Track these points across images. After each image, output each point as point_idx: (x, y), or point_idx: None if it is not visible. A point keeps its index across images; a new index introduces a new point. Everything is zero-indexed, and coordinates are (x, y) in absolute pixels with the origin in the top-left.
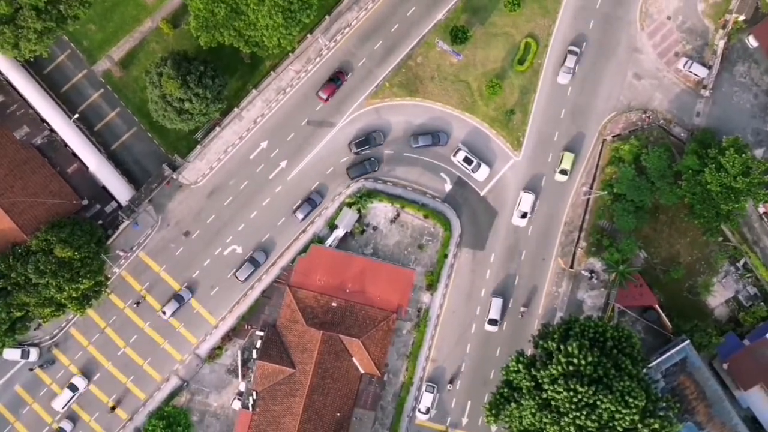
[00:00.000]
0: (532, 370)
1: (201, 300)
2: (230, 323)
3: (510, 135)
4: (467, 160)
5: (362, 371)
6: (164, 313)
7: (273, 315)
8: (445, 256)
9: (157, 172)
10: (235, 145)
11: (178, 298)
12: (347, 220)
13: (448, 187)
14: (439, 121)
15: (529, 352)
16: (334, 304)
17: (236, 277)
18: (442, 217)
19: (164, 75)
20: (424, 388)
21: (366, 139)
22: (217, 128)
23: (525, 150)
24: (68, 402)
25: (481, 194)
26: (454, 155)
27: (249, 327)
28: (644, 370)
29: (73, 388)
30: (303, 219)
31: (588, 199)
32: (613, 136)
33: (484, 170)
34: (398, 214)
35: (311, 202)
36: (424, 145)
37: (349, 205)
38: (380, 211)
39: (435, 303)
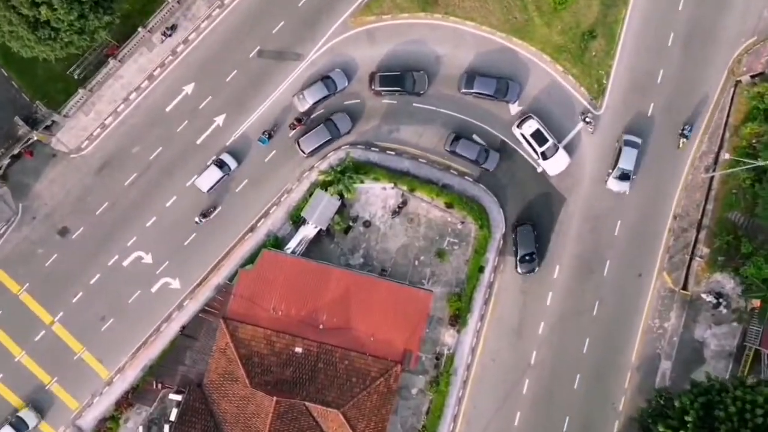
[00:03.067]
0: None
1: (86, 340)
2: (131, 379)
3: (586, 73)
4: (538, 137)
5: None
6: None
7: (198, 367)
8: (481, 269)
9: (7, 129)
10: (141, 89)
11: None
12: (322, 210)
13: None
14: (466, 51)
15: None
16: (298, 350)
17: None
18: (476, 205)
19: None
20: None
21: (393, 78)
22: (111, 61)
23: (609, 98)
24: None
25: (539, 170)
26: (519, 125)
27: (160, 386)
28: None
29: None
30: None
31: (711, 178)
32: (753, 76)
33: (561, 158)
34: (405, 202)
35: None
36: (481, 94)
37: (325, 185)
38: (376, 195)
39: (464, 345)
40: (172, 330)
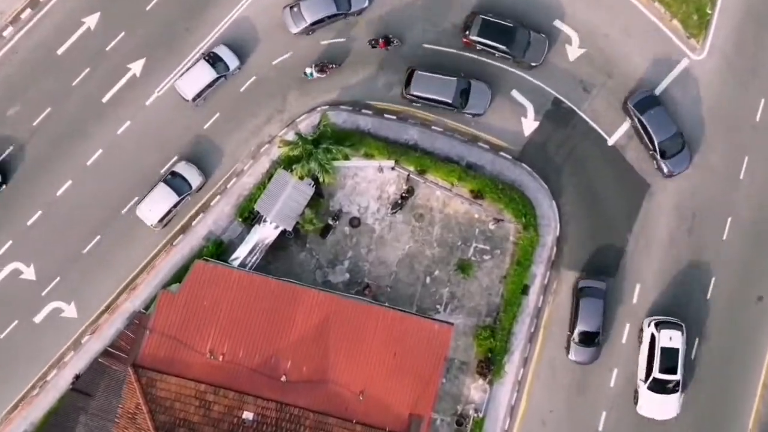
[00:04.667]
0: None
1: None
2: None
3: (681, 4)
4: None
5: None
6: None
7: None
8: (524, 289)
9: None
10: (19, 22)
11: None
12: (286, 200)
13: (529, 124)
14: None
15: None
16: (247, 416)
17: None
18: (517, 195)
19: None
20: None
21: None
22: None
23: (714, 38)
24: None
25: (610, 142)
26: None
27: None
28: None
29: None
30: (176, 205)
31: None
32: None
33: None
34: (411, 190)
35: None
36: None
37: (289, 162)
38: (368, 180)
39: (499, 404)
40: (63, 380)
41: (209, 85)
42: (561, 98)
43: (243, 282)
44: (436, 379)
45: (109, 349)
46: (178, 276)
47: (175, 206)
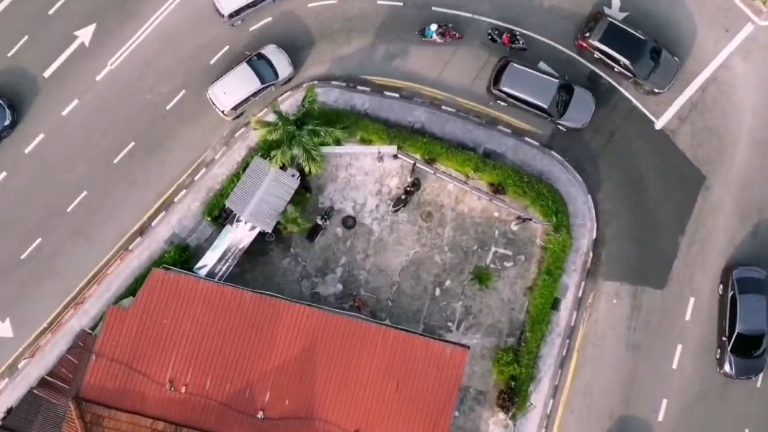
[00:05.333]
0: None
1: None
2: None
3: None
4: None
5: None
6: None
7: None
8: (554, 303)
9: None
10: None
11: None
12: (263, 196)
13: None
14: None
15: None
16: None
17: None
18: (545, 188)
19: None
20: None
21: None
22: None
23: None
24: None
25: (657, 125)
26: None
27: None
28: None
29: None
30: (255, 94)
31: None
32: None
33: None
34: (417, 183)
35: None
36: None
37: (268, 149)
38: (365, 171)
39: None
40: None
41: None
42: (598, 72)
43: (211, 295)
44: (448, 415)
45: (47, 378)
46: (135, 288)
47: (254, 95)
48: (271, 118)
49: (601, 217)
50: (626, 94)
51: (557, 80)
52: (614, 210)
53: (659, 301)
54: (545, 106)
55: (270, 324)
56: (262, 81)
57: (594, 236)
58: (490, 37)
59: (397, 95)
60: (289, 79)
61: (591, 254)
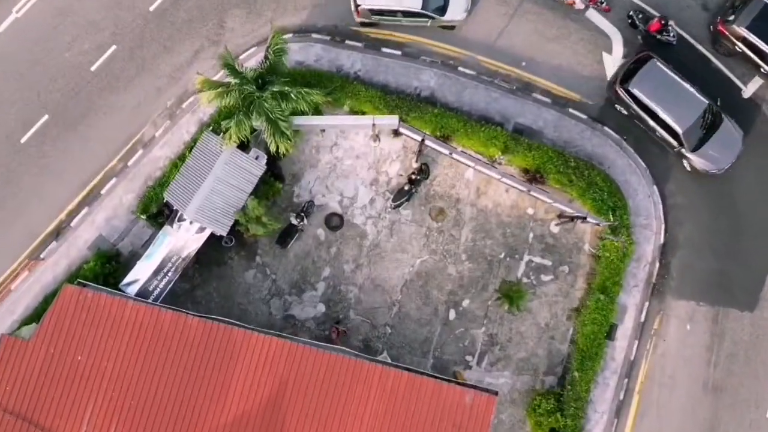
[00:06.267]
0: None
1: None
2: None
3: None
4: None
5: None
6: None
7: None
8: (609, 332)
9: None
10: None
11: None
12: (214, 186)
13: (616, 63)
14: None
15: None
16: None
17: None
18: (598, 176)
19: None
20: None
21: None
22: None
23: None
24: None
25: (746, 93)
26: None
27: None
28: None
29: None
30: None
31: None
32: None
33: None
34: (425, 169)
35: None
36: None
37: (218, 122)
38: (356, 154)
39: None
40: None
41: None
42: (729, 74)
43: (144, 321)
44: None
45: None
46: (41, 309)
47: (402, 13)
48: (223, 75)
49: (671, 216)
50: (704, 52)
51: (705, 101)
52: (689, 206)
53: (748, 327)
54: (680, 131)
55: (225, 361)
56: (424, 5)
57: (662, 241)
58: (630, 20)
59: (398, 53)
60: (451, 28)
61: (657, 265)
